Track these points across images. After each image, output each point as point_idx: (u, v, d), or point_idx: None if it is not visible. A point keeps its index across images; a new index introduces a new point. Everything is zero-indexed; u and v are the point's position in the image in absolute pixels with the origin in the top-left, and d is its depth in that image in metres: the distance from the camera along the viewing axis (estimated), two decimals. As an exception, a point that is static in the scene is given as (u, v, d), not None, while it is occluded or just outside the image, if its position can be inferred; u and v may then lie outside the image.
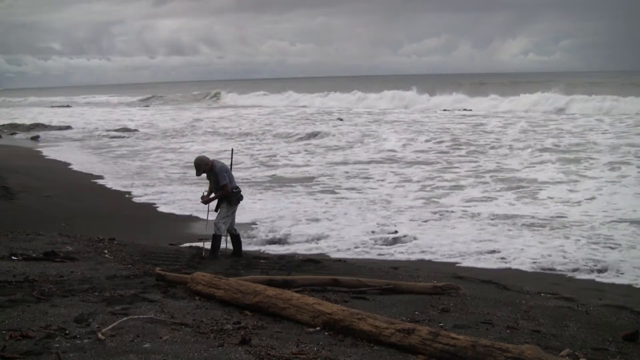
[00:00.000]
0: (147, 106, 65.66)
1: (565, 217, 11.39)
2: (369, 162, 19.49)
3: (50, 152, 23.44)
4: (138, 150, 24.59)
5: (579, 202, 12.66)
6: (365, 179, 16.39)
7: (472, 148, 21.52)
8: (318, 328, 5.10)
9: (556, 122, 29.75)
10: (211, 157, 9.02)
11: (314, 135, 27.24)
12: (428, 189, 14.68)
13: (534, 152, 19.91)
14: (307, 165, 19.17)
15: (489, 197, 13.45)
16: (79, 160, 21.42)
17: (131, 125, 36.65)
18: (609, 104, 35.07)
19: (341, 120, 37.97)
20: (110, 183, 16.32)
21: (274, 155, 21.74)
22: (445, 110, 40.86)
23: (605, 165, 16.81)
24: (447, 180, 15.62)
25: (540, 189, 14.08)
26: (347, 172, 17.48)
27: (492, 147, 21.46)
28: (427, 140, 24.26)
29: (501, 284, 7.63)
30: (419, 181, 15.77)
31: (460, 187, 14.66)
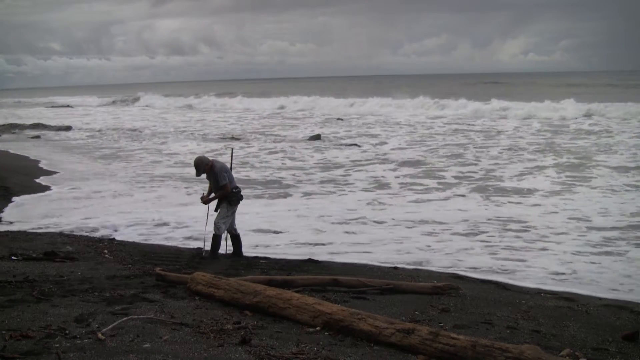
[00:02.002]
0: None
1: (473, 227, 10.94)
2: (355, 165, 19.23)
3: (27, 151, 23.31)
4: (126, 150, 24.45)
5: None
6: (331, 182, 15.98)
7: (473, 153, 21.20)
8: (318, 328, 5.10)
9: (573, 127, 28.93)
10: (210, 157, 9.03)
11: (313, 137, 27.13)
12: (380, 193, 14.41)
13: (536, 158, 19.39)
14: (283, 168, 18.91)
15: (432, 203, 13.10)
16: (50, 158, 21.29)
17: (132, 125, 36.67)
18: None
19: (341, 120, 37.97)
20: (46, 181, 16.13)
21: (251, 157, 21.42)
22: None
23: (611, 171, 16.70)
24: (420, 185, 15.34)
25: (517, 196, 13.76)
26: (322, 175, 17.14)
27: (493, 153, 20.99)
28: (426, 144, 24.26)
29: (501, 284, 7.63)
30: (386, 186, 15.45)
31: (426, 191, 14.46)
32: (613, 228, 10.47)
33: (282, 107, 50.17)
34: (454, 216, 11.65)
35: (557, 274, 8.19)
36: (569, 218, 11.30)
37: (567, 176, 15.89)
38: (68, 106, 66.98)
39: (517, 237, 10.07)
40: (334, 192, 14.64)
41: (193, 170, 8.84)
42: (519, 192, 14.16)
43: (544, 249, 9.36)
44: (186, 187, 15.10)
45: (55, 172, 17.69)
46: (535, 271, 8.31)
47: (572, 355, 4.76)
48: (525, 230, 10.45)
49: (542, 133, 26.88)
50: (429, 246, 9.63)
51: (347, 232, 10.59)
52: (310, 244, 9.87)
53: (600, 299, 7.09)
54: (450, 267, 8.59)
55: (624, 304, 6.76)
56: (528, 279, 8.02)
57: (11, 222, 10.93)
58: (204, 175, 8.77)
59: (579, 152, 20.40)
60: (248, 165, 19.32)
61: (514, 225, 10.83)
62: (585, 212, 11.68)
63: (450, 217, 11.59)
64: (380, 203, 13.19)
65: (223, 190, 8.55)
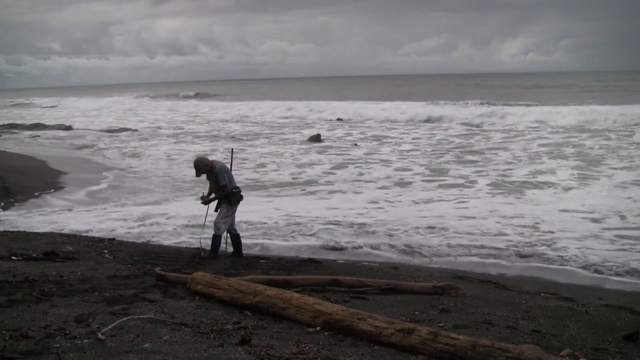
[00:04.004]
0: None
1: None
2: (357, 165, 19.28)
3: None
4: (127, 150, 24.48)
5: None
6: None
7: (481, 154, 21.00)
8: (318, 328, 5.09)
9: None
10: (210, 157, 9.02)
11: (313, 138, 27.06)
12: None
13: (548, 160, 19.23)
14: (284, 169, 18.94)
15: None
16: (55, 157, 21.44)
17: (130, 125, 36.69)
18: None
19: (341, 120, 37.93)
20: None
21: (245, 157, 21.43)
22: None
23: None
24: (426, 184, 15.55)
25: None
26: (325, 175, 17.28)
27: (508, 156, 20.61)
28: (426, 144, 24.26)
29: (501, 284, 7.63)
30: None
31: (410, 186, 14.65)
32: (625, 226, 10.70)
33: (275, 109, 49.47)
34: (466, 213, 11.87)
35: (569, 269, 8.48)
36: (582, 217, 11.48)
37: (580, 175, 16.10)
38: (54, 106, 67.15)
39: (529, 233, 10.31)
40: (340, 192, 14.78)
41: (192, 171, 8.84)
42: (531, 190, 14.37)
43: (556, 246, 9.55)
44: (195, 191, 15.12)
45: (63, 172, 17.76)
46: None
47: (572, 355, 4.75)
48: (537, 227, 10.68)
49: (553, 135, 26.70)
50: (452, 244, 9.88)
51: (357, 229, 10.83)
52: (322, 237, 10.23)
53: (600, 298, 7.10)
54: (464, 264, 8.88)
55: (624, 304, 6.76)
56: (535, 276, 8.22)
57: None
58: (204, 176, 8.77)
59: (591, 153, 20.43)
60: (246, 167, 19.35)
61: (525, 221, 11.02)
62: (599, 209, 11.94)
63: (462, 214, 11.82)
64: (388, 201, 13.36)
65: (223, 191, 8.55)
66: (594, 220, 11.10)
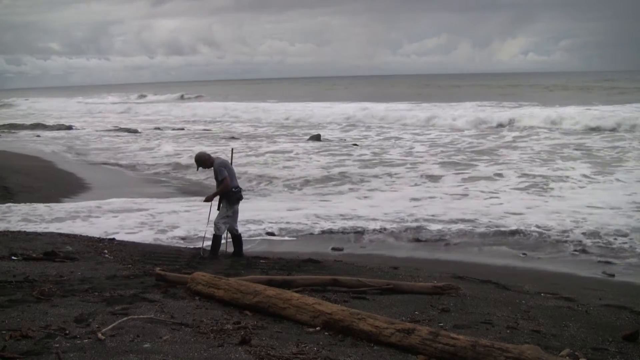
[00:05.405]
0: None
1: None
2: (363, 164, 19.35)
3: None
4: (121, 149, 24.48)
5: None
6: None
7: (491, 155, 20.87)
8: (318, 328, 5.09)
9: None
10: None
11: (313, 138, 27.04)
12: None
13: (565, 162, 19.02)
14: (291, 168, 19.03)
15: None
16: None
17: (129, 125, 36.68)
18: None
19: (339, 120, 37.84)
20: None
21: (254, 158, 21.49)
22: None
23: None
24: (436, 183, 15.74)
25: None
26: (333, 175, 17.44)
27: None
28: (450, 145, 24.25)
29: (501, 284, 7.63)
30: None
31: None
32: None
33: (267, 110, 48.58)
34: (497, 209, 12.26)
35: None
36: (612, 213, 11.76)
37: (598, 173, 16.38)
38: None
39: (558, 228, 10.65)
40: (346, 190, 15.06)
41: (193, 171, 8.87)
42: (556, 183, 14.80)
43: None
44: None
45: (68, 172, 17.79)
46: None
47: (572, 355, 4.75)
48: (565, 222, 11.01)
49: (563, 135, 26.53)
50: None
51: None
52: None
53: (600, 298, 7.10)
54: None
55: (624, 304, 6.76)
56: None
57: None
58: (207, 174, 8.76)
59: (604, 152, 20.47)
60: (246, 166, 19.35)
61: (554, 217, 11.35)
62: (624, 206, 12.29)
63: (492, 210, 12.21)
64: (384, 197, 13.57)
65: (223, 184, 8.49)
66: (628, 217, 11.41)
